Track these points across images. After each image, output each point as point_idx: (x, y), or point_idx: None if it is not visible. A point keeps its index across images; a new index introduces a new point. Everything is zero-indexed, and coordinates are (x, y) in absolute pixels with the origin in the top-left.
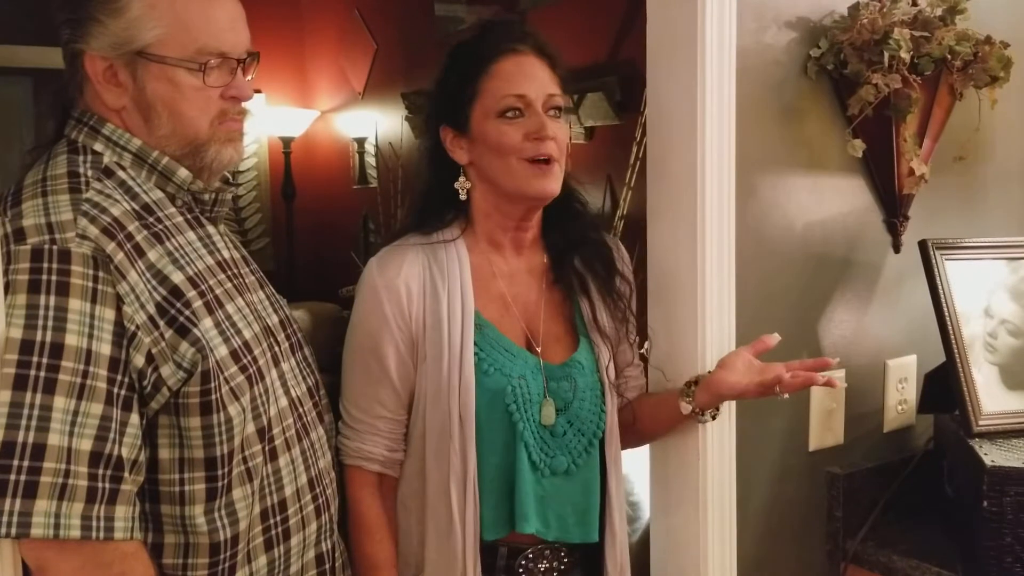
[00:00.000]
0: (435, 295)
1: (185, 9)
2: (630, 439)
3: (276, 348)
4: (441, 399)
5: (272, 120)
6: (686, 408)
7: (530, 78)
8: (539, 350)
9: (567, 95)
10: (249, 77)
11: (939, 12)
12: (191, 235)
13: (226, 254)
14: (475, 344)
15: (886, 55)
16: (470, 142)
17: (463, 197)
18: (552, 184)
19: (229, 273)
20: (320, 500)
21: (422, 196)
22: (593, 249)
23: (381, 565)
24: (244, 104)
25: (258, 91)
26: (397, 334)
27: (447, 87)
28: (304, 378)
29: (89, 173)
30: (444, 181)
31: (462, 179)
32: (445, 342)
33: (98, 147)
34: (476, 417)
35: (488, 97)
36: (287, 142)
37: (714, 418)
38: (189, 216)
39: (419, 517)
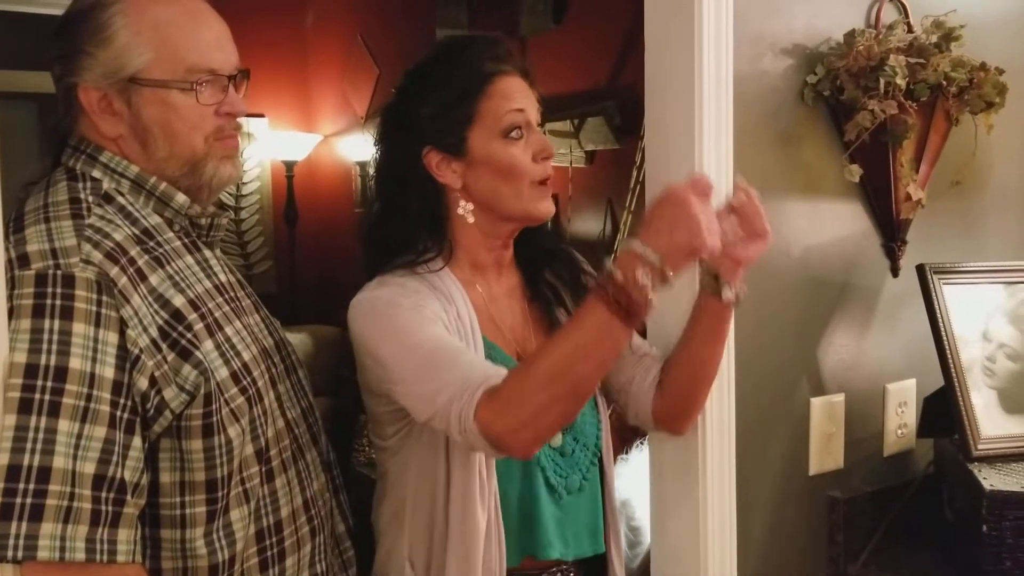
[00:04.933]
0: (446, 318)
1: (171, 32)
2: (686, 407)
3: (273, 370)
4: None
5: (275, 144)
6: (728, 294)
7: (526, 96)
8: None
9: (563, 114)
10: (241, 94)
11: (934, 39)
12: (189, 259)
13: (223, 277)
14: None
15: (882, 81)
16: (465, 165)
17: (470, 220)
18: (551, 204)
19: (227, 296)
20: (315, 521)
21: (387, 223)
22: (559, 259)
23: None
24: (238, 120)
25: (261, 115)
26: (438, 320)
27: (428, 109)
28: (298, 400)
29: (90, 199)
30: (422, 205)
31: (463, 203)
32: None
33: (96, 174)
34: None
35: (489, 117)
36: (290, 166)
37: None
38: (186, 240)
39: (440, 545)
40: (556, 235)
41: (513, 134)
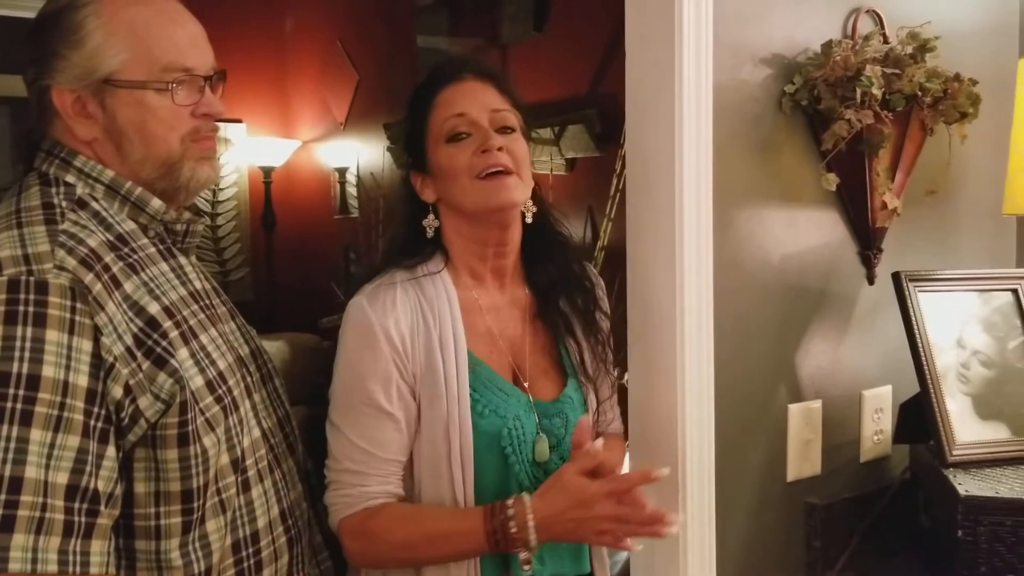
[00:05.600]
0: (427, 334)
1: (146, 31)
2: None
3: (249, 379)
4: (438, 443)
5: (253, 150)
6: None
7: (470, 98)
8: (527, 385)
9: (544, 122)
10: (218, 95)
11: (910, 50)
12: (164, 266)
13: (198, 285)
14: (469, 385)
15: (858, 91)
16: (433, 179)
17: (430, 234)
18: (510, 194)
19: (201, 304)
20: (292, 532)
21: (396, 239)
22: (577, 285)
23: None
24: (215, 121)
25: (239, 120)
26: (396, 373)
27: (406, 134)
28: (274, 409)
29: (64, 204)
30: (418, 223)
31: (430, 217)
32: (441, 385)
33: (70, 179)
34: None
35: (435, 128)
36: (268, 172)
37: None
38: (161, 247)
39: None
40: (570, 256)
41: (455, 137)
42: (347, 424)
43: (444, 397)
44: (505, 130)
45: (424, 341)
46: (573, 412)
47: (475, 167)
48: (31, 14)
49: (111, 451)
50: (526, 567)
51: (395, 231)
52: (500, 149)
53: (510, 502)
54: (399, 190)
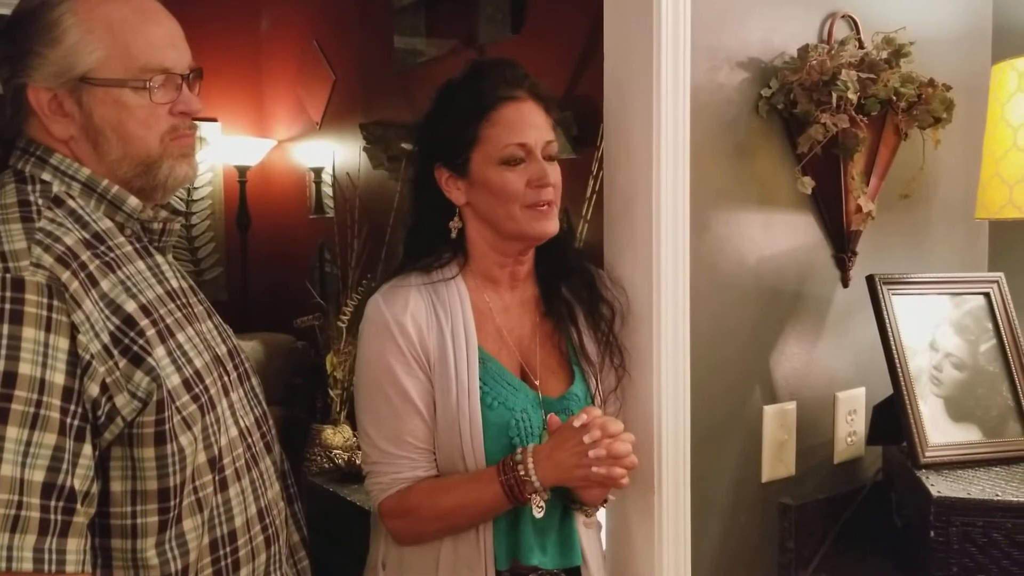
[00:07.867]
0: (439, 330)
1: (123, 30)
2: None
3: (226, 377)
4: (452, 434)
5: (228, 149)
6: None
7: (530, 126)
8: (537, 383)
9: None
10: (195, 93)
11: (884, 55)
12: (140, 264)
13: (174, 283)
14: (479, 378)
15: (834, 96)
16: (468, 184)
17: (453, 235)
18: (551, 225)
19: (178, 303)
20: (270, 531)
21: (412, 232)
22: (578, 277)
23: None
24: (193, 119)
25: (214, 119)
26: (415, 364)
27: (442, 128)
28: (251, 408)
29: (40, 202)
30: (437, 218)
31: (456, 220)
32: (452, 377)
33: (46, 176)
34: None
35: (489, 144)
36: (243, 171)
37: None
38: (138, 245)
39: (432, 551)
40: (578, 252)
41: (512, 162)
42: (372, 419)
43: (454, 389)
44: (551, 159)
45: (436, 336)
46: (579, 408)
47: (527, 197)
48: (6, 11)
49: (87, 449)
50: (538, 511)
51: (412, 225)
52: (552, 184)
53: (518, 452)
54: (411, 182)
